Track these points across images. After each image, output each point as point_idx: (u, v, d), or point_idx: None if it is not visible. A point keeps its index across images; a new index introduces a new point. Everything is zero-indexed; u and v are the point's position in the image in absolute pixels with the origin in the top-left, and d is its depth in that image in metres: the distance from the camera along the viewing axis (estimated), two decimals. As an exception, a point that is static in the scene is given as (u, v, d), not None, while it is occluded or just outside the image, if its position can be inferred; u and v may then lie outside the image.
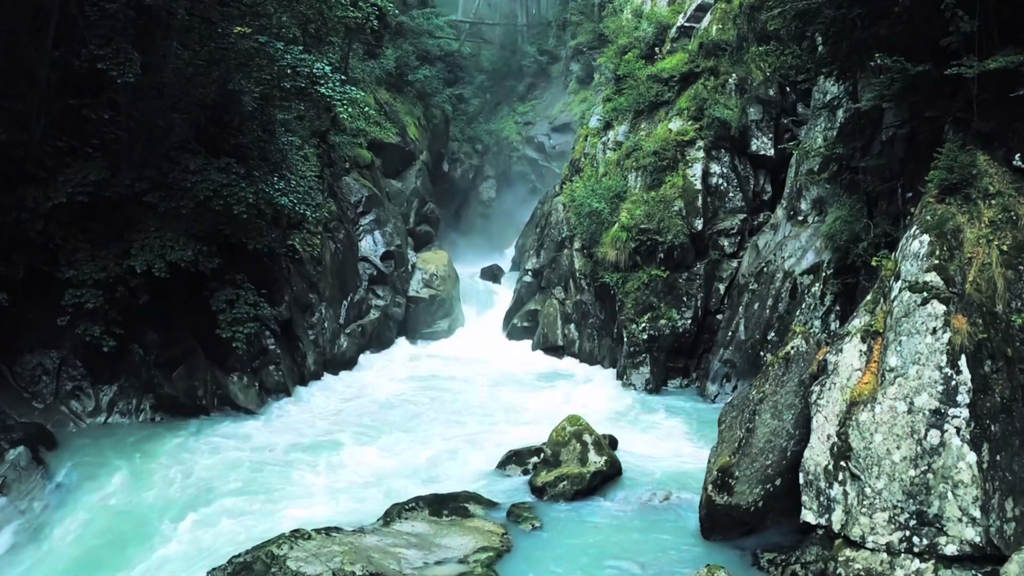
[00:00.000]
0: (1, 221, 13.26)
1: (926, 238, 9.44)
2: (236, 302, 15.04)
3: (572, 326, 22.84)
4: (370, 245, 24.19)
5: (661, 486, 12.00)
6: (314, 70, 15.67)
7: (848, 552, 8.59)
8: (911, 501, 8.32)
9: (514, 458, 13.09)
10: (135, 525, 10.99)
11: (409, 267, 26.15)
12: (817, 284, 15.68)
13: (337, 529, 9.90)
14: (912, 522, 8.30)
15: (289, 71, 15.41)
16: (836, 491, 8.87)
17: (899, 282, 9.39)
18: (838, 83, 15.49)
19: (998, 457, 8.23)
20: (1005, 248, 9.12)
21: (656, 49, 23.62)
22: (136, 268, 13.63)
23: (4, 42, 13.46)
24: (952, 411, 8.36)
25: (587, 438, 12.41)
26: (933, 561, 8.13)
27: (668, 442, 14.68)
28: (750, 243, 18.89)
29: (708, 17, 22.42)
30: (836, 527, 8.79)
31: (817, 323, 15.23)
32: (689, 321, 18.97)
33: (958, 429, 8.29)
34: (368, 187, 24.91)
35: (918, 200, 10.70)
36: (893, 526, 8.38)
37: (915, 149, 12.44)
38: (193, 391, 15.09)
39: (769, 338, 16.38)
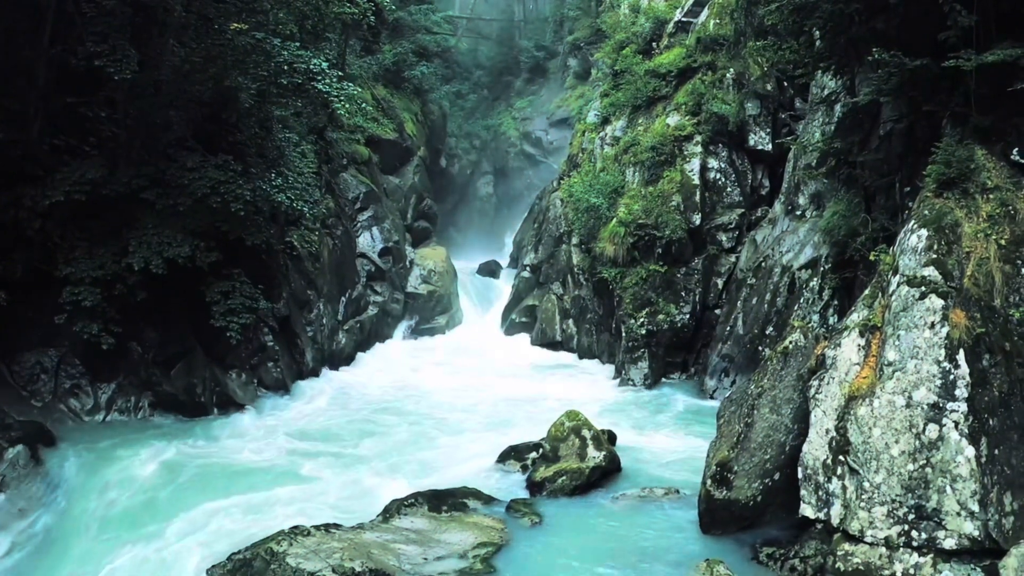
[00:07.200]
0: (-1, 219, 13.27)
1: (924, 232, 9.44)
2: (232, 294, 15.06)
3: (570, 321, 22.87)
4: (368, 241, 24.18)
5: (660, 481, 12.01)
6: (311, 66, 15.65)
7: (847, 546, 8.61)
8: (910, 495, 8.34)
9: (513, 453, 13.09)
10: (134, 523, 10.97)
11: (407, 263, 26.15)
12: (815, 279, 15.68)
13: (336, 525, 9.91)
14: (911, 516, 8.31)
15: (286, 67, 15.38)
16: (835, 485, 8.88)
17: (897, 276, 9.40)
18: (836, 78, 15.47)
19: (996, 451, 8.24)
20: (1003, 242, 9.12)
21: (654, 44, 23.60)
22: (134, 265, 13.62)
23: (1, 40, 13.44)
24: (950, 405, 8.37)
25: (586, 433, 12.42)
26: (932, 555, 8.14)
27: (666, 437, 14.70)
28: (748, 238, 18.90)
29: (705, 12, 22.41)
30: (835, 521, 8.80)
31: (815, 318, 15.23)
32: (687, 316, 18.99)
33: (956, 423, 8.30)
34: (366, 183, 24.89)
35: (916, 195, 10.70)
36: (892, 520, 8.40)
37: (913, 144, 12.43)
38: (192, 388, 15.08)
39: (767, 333, 16.39)
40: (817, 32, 13.48)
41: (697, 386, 18.24)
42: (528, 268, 25.95)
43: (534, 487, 11.90)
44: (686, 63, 21.41)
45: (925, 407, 8.47)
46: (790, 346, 10.45)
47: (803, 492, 9.16)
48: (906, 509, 8.35)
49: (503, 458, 13.09)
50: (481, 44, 46.80)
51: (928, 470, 8.31)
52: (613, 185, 20.83)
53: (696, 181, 19.61)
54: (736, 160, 20.17)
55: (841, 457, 8.88)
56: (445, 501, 10.99)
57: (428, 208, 31.52)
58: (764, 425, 10.08)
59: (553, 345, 23.07)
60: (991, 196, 9.49)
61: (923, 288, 8.93)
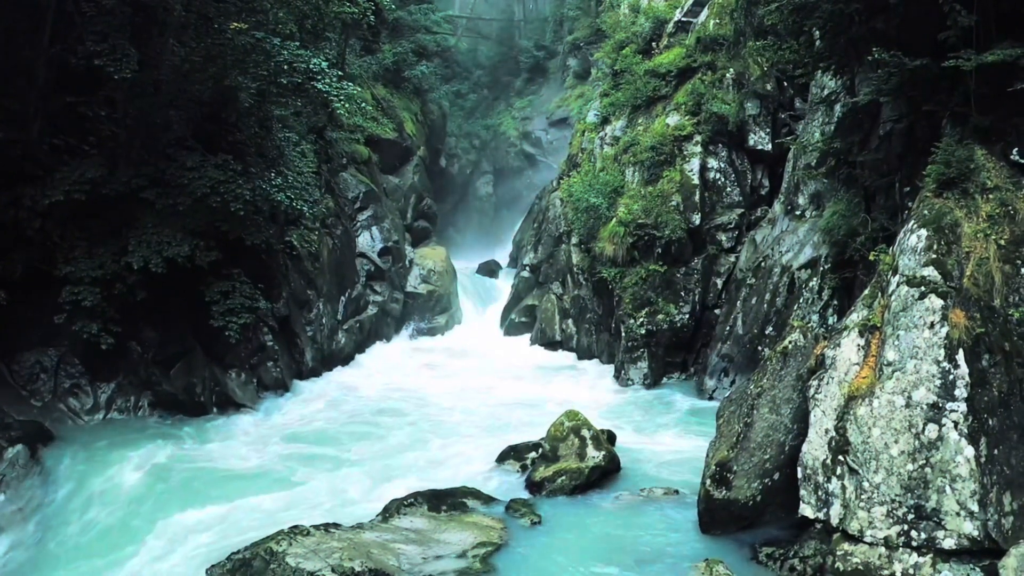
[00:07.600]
0: (-1, 219, 13.27)
1: (924, 232, 9.44)
2: (231, 294, 15.08)
3: (570, 321, 22.86)
4: (368, 241, 24.17)
5: (659, 481, 12.01)
6: (311, 66, 15.63)
7: (846, 546, 8.61)
8: (909, 495, 8.34)
9: (512, 453, 13.09)
10: (133, 522, 10.98)
11: (407, 263, 26.15)
12: (815, 279, 15.68)
13: (336, 525, 9.90)
14: (910, 516, 8.31)
15: (286, 67, 15.38)
16: (834, 485, 8.88)
17: (897, 276, 9.40)
18: (836, 78, 15.46)
19: (996, 451, 8.24)
20: (1003, 242, 9.12)
21: (653, 44, 23.58)
22: (133, 265, 13.62)
23: (1, 40, 13.43)
24: (950, 405, 8.37)
25: (585, 433, 12.42)
26: (931, 555, 8.14)
27: (666, 437, 14.69)
28: (748, 238, 18.89)
29: (705, 12, 22.40)
30: (834, 521, 8.80)
31: (815, 318, 15.23)
32: (687, 316, 18.98)
33: (956, 423, 8.30)
34: (366, 183, 24.89)
35: (916, 195, 10.69)
36: (891, 520, 8.40)
37: (913, 144, 12.42)
38: (191, 388, 15.08)
39: (767, 333, 16.38)
40: (817, 32, 13.47)
41: (697, 386, 18.22)
42: (528, 268, 25.95)
43: (533, 487, 11.89)
44: (686, 63, 21.40)
45: (924, 407, 8.47)
46: (789, 346, 10.45)
47: (802, 492, 9.16)
48: (905, 509, 8.35)
49: (502, 458, 13.08)
50: (481, 44, 46.84)
51: (927, 470, 8.30)
52: (613, 185, 20.82)
53: (696, 181, 19.61)
54: (736, 160, 20.17)
55: (841, 457, 8.88)
56: (444, 501, 10.98)
57: (428, 208, 31.52)
58: (763, 425, 10.08)
59: (553, 345, 23.07)
60: (991, 196, 9.49)
61: (923, 288, 8.93)
